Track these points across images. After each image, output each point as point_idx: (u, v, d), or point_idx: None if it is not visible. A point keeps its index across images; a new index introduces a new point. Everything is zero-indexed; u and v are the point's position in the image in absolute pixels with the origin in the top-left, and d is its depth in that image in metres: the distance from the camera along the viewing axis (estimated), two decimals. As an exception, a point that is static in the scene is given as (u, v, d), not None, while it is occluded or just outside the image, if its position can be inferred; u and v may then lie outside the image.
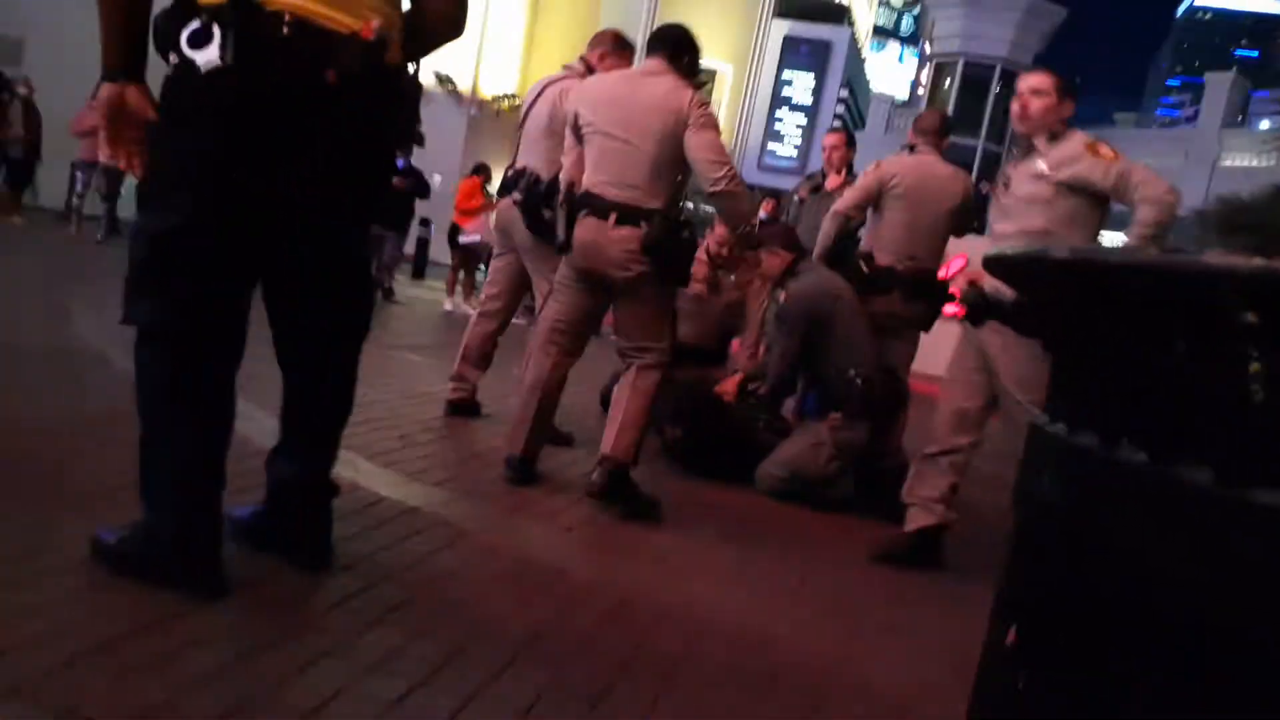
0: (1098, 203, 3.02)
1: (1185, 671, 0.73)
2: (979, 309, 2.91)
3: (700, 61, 3.40)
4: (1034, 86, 3.12)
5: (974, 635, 2.50)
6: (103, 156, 1.92)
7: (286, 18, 1.80)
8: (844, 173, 5.36)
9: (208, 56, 1.75)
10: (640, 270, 3.14)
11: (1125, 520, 0.80)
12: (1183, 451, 0.77)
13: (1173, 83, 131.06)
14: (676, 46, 3.30)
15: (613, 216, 3.13)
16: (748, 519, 3.55)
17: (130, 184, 10.84)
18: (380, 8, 1.96)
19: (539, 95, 4.16)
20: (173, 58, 1.80)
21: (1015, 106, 3.17)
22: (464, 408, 4.28)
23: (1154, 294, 0.81)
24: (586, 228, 3.18)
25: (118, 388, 3.26)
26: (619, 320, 3.34)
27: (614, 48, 4.07)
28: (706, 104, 3.20)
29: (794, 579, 2.91)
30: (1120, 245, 3.00)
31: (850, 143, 5.51)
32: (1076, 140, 3.05)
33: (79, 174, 10.42)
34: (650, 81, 3.23)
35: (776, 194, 6.07)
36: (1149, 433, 0.80)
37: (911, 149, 4.27)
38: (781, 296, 4.14)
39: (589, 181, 3.22)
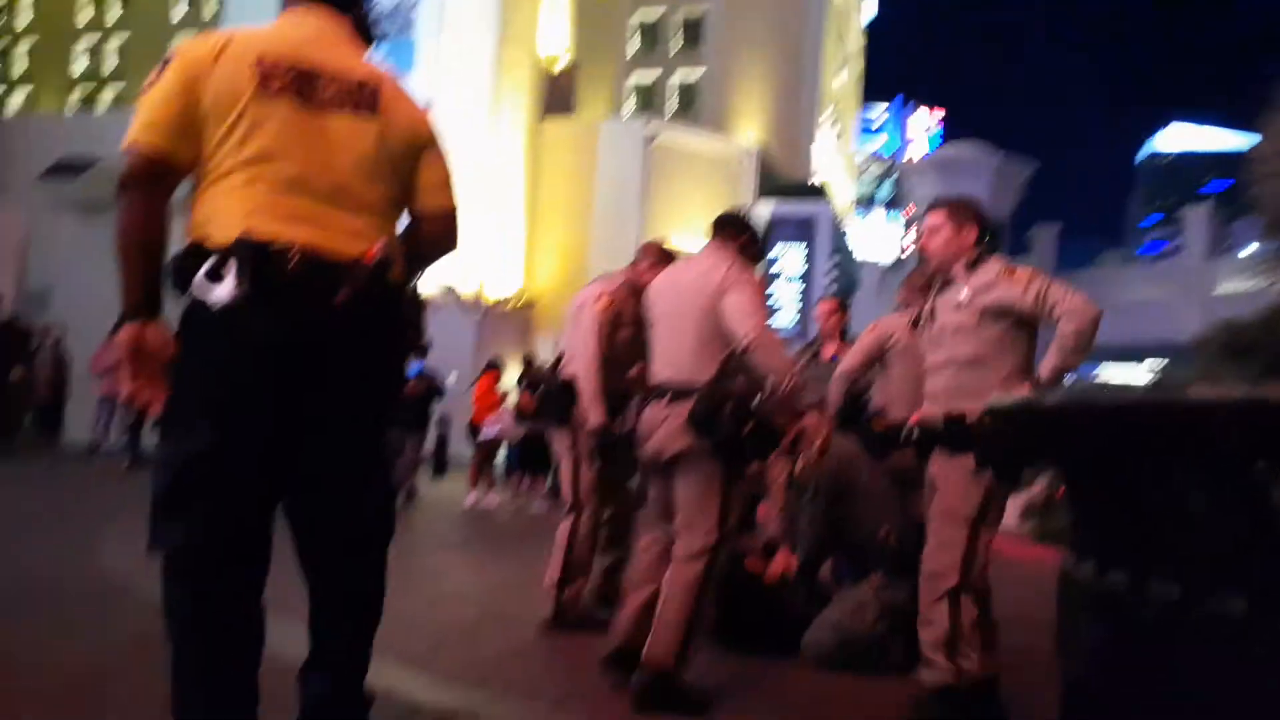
0: (1024, 326, 3.04)
1: None
2: (923, 443, 3.06)
3: (760, 242, 3.41)
4: (929, 225, 3.24)
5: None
6: (124, 392, 1.99)
7: (293, 252, 1.90)
8: (839, 337, 5.50)
9: (218, 295, 1.85)
10: (683, 445, 3.06)
11: (1166, 655, 0.78)
12: (1215, 583, 0.76)
13: (1149, 221, 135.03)
14: (725, 227, 3.36)
15: (666, 397, 3.13)
16: (800, 694, 3.40)
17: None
18: (381, 230, 2.07)
19: (580, 305, 4.30)
20: (186, 296, 1.91)
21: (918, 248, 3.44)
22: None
23: (1152, 431, 0.83)
24: (646, 413, 3.21)
25: (148, 618, 3.24)
26: (675, 503, 3.19)
27: (659, 259, 4.19)
28: (747, 269, 3.18)
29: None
30: (1045, 366, 2.94)
31: (843, 308, 5.66)
32: (994, 266, 3.11)
33: (102, 410, 10.70)
34: (695, 261, 3.36)
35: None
36: (1178, 567, 0.80)
37: (904, 306, 4.37)
38: (799, 464, 4.12)
39: (651, 373, 3.29)
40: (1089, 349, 2.91)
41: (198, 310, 1.88)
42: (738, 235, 3.32)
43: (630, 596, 3.26)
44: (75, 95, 35.70)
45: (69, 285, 15.94)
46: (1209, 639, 0.75)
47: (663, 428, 3.11)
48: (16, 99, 36.35)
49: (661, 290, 3.37)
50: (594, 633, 3.93)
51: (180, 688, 1.88)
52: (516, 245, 26.46)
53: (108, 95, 35.38)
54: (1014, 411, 1.04)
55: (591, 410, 3.93)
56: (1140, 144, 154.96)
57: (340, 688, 2.08)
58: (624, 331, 4.07)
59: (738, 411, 3.01)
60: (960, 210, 3.25)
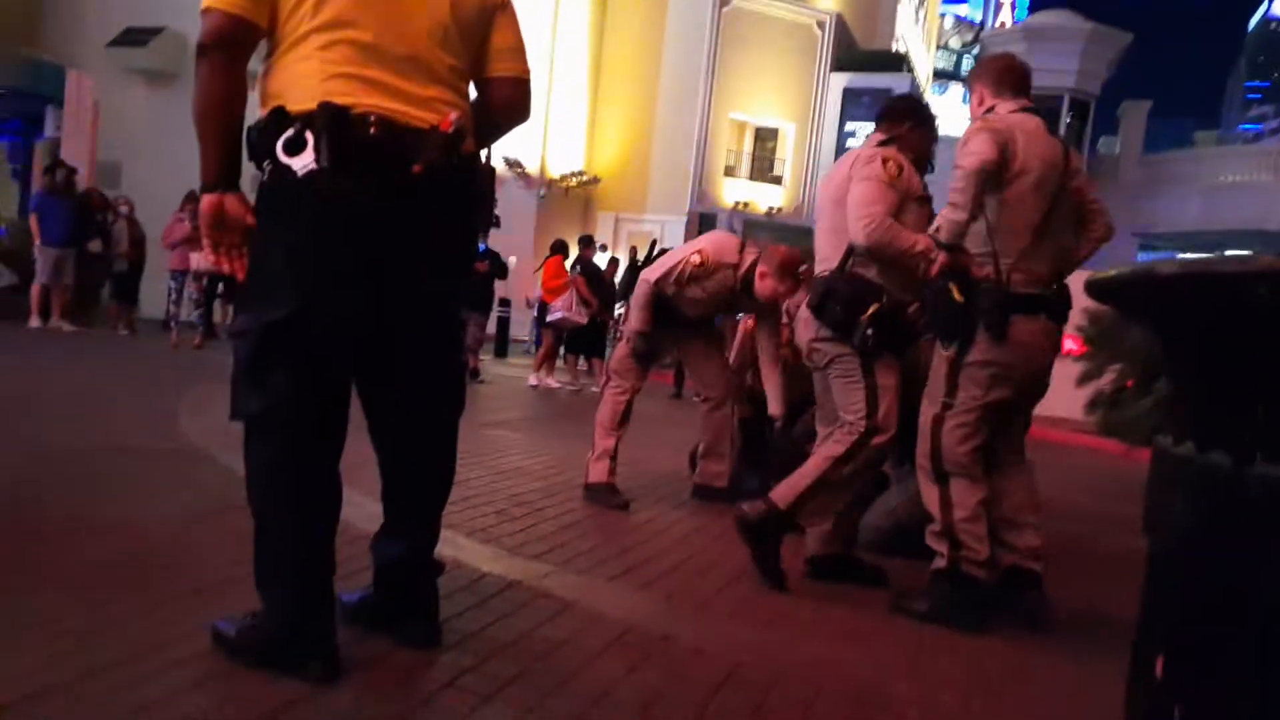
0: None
1: None
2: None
3: (922, 128, 3.32)
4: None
5: (1099, 676, 2.38)
6: (205, 262, 2.03)
7: (372, 118, 1.89)
8: None
9: (303, 161, 1.85)
10: (811, 337, 3.19)
11: (1267, 535, 0.76)
12: None
13: (1253, 97, 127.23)
14: (880, 118, 3.38)
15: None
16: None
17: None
18: (454, 101, 2.05)
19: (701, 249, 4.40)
20: (267, 165, 1.90)
21: None
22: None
23: (1270, 301, 0.78)
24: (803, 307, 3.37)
25: (225, 483, 3.40)
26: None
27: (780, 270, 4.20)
28: (883, 161, 3.10)
29: (909, 633, 2.82)
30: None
31: None
32: None
33: (173, 284, 10.97)
34: (846, 157, 3.35)
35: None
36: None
37: None
38: None
39: None
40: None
41: (278, 178, 1.89)
42: (891, 125, 3.30)
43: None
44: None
45: (138, 157, 16.14)
46: None
47: (800, 320, 3.30)
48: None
49: (824, 183, 3.47)
50: (645, 514, 4.04)
51: (262, 550, 1.97)
52: (579, 120, 25.96)
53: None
54: (1123, 280, 0.98)
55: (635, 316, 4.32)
56: (1251, 12, 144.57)
57: (413, 555, 2.17)
58: (694, 289, 4.27)
59: (852, 294, 3.06)
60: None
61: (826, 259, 3.22)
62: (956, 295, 2.84)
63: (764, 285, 4.13)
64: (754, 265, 4.19)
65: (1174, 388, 0.96)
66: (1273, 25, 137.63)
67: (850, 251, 3.11)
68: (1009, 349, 2.86)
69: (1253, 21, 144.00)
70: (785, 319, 4.61)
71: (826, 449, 3.15)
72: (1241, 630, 0.77)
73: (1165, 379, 1.17)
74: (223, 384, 1.99)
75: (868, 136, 3.43)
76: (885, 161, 3.08)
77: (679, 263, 4.23)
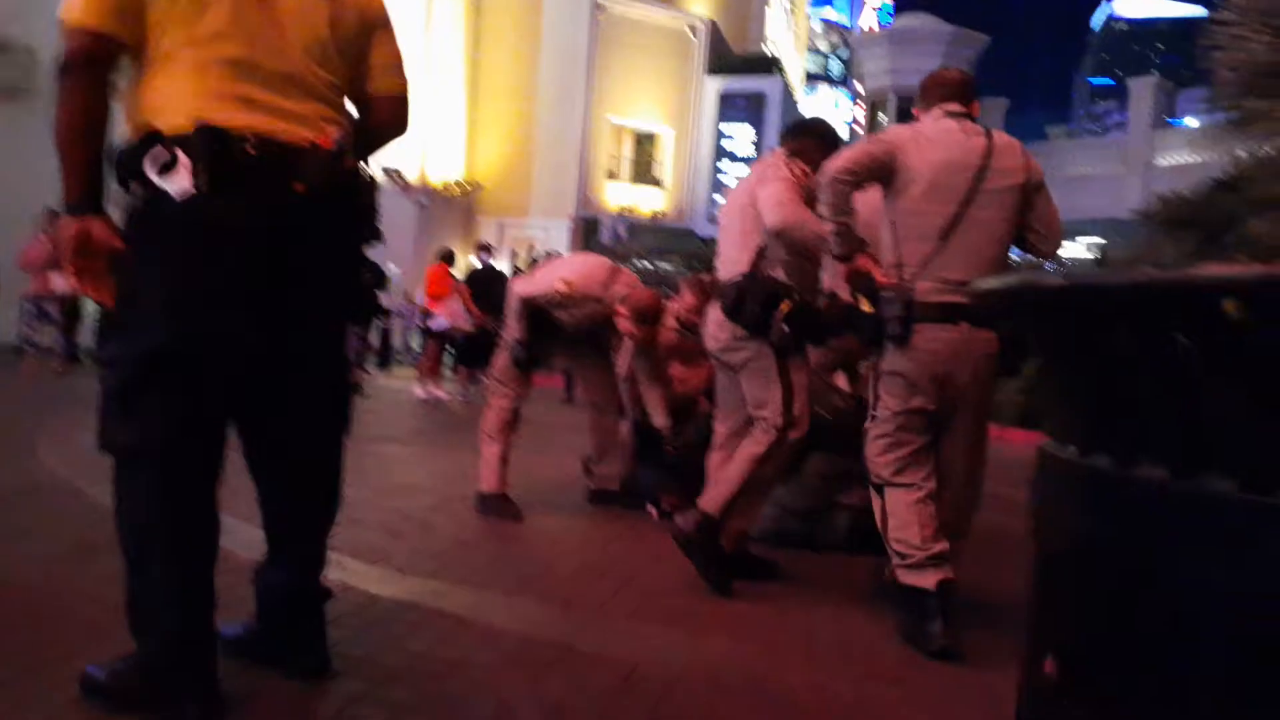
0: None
1: (1228, 681, 0.72)
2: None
3: (825, 144, 3.35)
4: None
5: (987, 659, 2.47)
6: (67, 286, 1.92)
7: (250, 138, 1.83)
8: None
9: (180, 185, 1.77)
10: (725, 338, 3.25)
11: (1152, 537, 0.79)
12: (1203, 463, 0.76)
13: (1100, 82, 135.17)
14: (783, 136, 3.51)
15: (717, 294, 3.38)
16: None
17: (89, 313, 10.66)
18: (333, 117, 2.00)
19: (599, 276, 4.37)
20: (136, 187, 1.81)
21: None
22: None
23: (1155, 311, 0.81)
24: (709, 312, 3.45)
25: (90, 518, 3.21)
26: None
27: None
28: (790, 168, 3.23)
29: (804, 625, 2.87)
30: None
31: None
32: None
33: (31, 308, 10.30)
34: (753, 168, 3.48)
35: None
36: (1165, 448, 0.80)
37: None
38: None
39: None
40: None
41: (151, 201, 1.81)
42: (797, 140, 3.39)
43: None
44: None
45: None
46: (1194, 520, 0.75)
47: (709, 322, 3.34)
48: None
49: (729, 195, 3.56)
50: (540, 521, 4.02)
51: (135, 589, 1.87)
52: (457, 126, 25.61)
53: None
54: (1004, 291, 1.02)
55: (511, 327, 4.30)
56: (1092, 11, 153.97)
57: (298, 582, 2.10)
58: (562, 313, 4.23)
59: (767, 294, 3.13)
60: None
61: (734, 262, 3.28)
62: (865, 306, 2.88)
63: (622, 324, 4.13)
64: (619, 300, 4.14)
65: (1057, 393, 1.00)
66: (1115, 24, 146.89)
67: (760, 254, 3.20)
68: (915, 357, 2.80)
69: (1096, 21, 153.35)
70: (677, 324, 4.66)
71: (747, 449, 3.19)
72: (1128, 629, 0.80)
73: (1045, 380, 1.22)
74: (86, 412, 1.87)
75: (771, 150, 3.58)
76: (792, 168, 3.23)
77: (546, 289, 4.18)
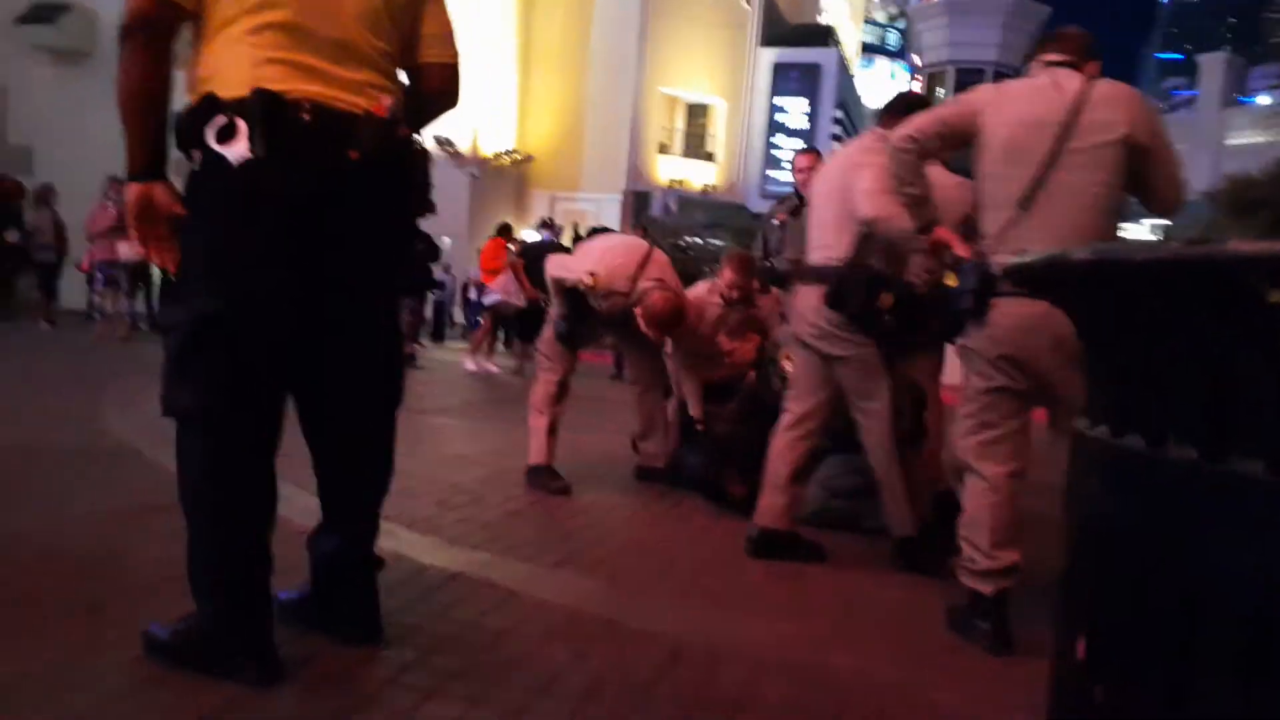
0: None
1: (1251, 665, 0.72)
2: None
3: (919, 110, 3.20)
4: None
5: (1026, 641, 2.45)
6: (133, 253, 1.97)
7: (306, 105, 1.85)
8: None
9: (237, 150, 1.80)
10: (823, 326, 3.17)
11: (1181, 518, 0.79)
12: (1232, 445, 0.76)
13: (1168, 61, 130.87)
14: (882, 112, 3.41)
15: (811, 279, 3.29)
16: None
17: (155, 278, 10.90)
18: (386, 86, 2.02)
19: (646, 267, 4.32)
20: (197, 153, 1.85)
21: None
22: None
23: (1184, 288, 0.80)
24: (798, 296, 3.41)
25: (153, 481, 3.31)
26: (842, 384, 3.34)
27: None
28: (881, 150, 3.05)
29: (849, 607, 2.87)
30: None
31: (821, 161, 5.52)
32: None
33: (98, 274, 10.56)
34: (849, 146, 3.43)
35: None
36: (1195, 429, 0.79)
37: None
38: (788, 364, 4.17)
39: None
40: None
41: (210, 167, 1.84)
42: (893, 118, 3.18)
43: (772, 473, 3.37)
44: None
45: (50, 140, 15.47)
46: (1223, 501, 0.75)
47: (804, 307, 3.26)
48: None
49: (820, 175, 3.47)
50: (587, 496, 4.05)
51: (196, 551, 1.93)
52: (509, 97, 25.62)
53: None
54: (1033, 268, 1.01)
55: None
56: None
57: (352, 550, 2.14)
58: (592, 301, 4.17)
59: (871, 285, 3.03)
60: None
61: (828, 247, 3.20)
62: (949, 281, 2.77)
63: (641, 324, 4.08)
64: (640, 298, 4.07)
65: (1089, 372, 0.99)
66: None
67: (861, 240, 3.08)
68: (991, 334, 2.59)
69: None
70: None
71: (881, 463, 3.23)
72: (1158, 611, 0.80)
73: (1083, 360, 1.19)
74: (150, 378, 1.93)
75: (868, 131, 3.46)
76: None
77: (574, 277, 4.14)
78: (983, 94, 2.74)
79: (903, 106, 3.25)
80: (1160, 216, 2.77)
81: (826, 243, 3.22)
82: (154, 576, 2.39)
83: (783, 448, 3.34)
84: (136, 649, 1.94)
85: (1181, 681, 0.76)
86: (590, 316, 4.30)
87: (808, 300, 3.23)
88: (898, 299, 3.01)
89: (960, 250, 2.70)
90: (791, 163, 5.80)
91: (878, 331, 3.06)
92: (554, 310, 4.32)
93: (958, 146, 2.73)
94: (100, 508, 3.10)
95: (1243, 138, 23.90)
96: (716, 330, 4.58)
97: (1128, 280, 0.86)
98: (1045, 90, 2.60)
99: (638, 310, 4.05)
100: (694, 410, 4.46)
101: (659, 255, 4.27)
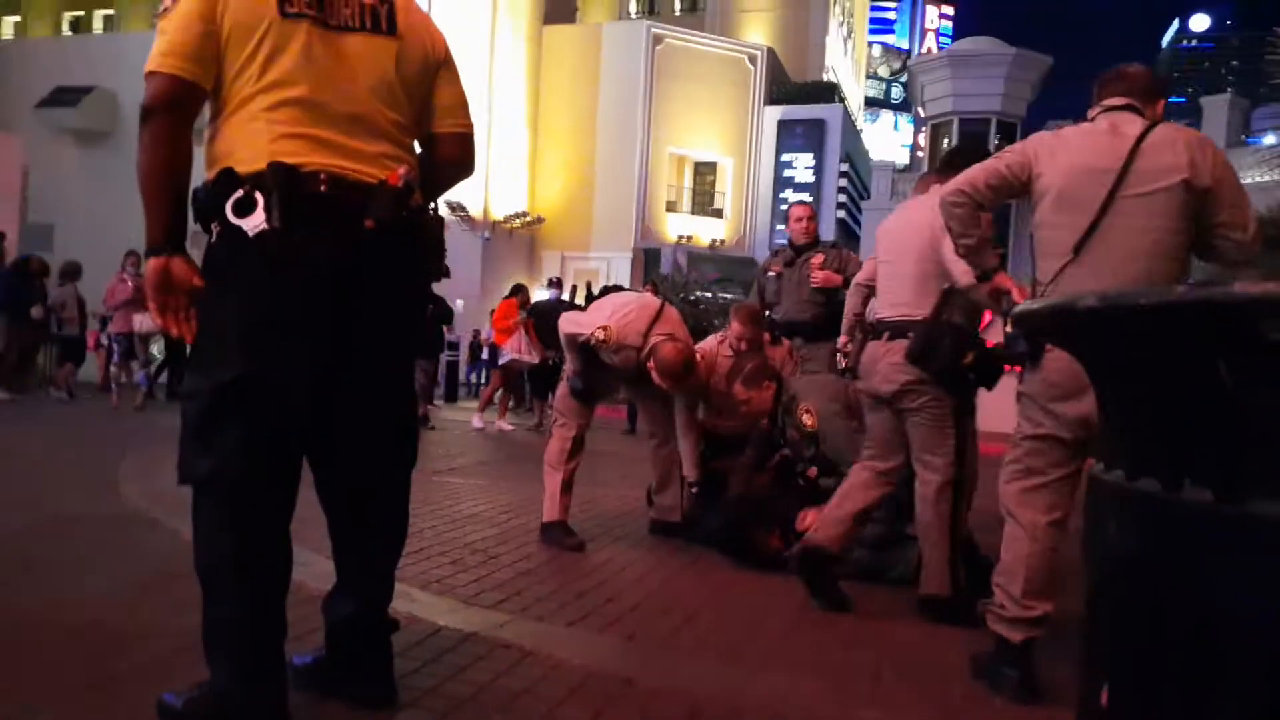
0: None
1: (1269, 706, 0.70)
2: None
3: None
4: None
5: (1054, 691, 2.40)
6: (149, 325, 2.00)
7: (322, 176, 1.90)
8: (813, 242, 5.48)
9: (254, 222, 1.84)
10: (904, 380, 3.23)
11: (1198, 561, 0.78)
12: (1249, 486, 0.75)
13: (1173, 104, 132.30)
14: (947, 166, 3.39)
15: (885, 334, 3.34)
16: (813, 602, 3.45)
17: (160, 348, 11.08)
18: (400, 156, 2.06)
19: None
20: (216, 226, 1.89)
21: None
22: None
23: (1189, 330, 0.80)
24: (867, 351, 3.46)
25: (170, 550, 3.31)
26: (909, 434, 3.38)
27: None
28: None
29: (870, 658, 2.82)
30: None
31: (813, 218, 5.59)
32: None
33: (115, 345, 10.71)
34: (920, 201, 3.41)
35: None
36: (1210, 470, 0.79)
37: None
38: (807, 419, 4.17)
39: (875, 311, 3.55)
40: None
41: (228, 239, 1.88)
42: (948, 171, 3.20)
43: (837, 506, 3.42)
44: (65, 21, 34.97)
45: (71, 217, 15.80)
46: (1240, 541, 0.74)
47: (882, 363, 3.32)
48: (6, 28, 35.59)
49: (888, 230, 3.54)
50: (603, 553, 4.02)
51: (211, 617, 1.92)
52: (520, 160, 26.05)
53: (97, 20, 34.66)
54: (1041, 313, 1.01)
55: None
56: (1163, 30, 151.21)
57: (367, 613, 2.13)
58: (604, 356, 4.21)
59: (956, 342, 3.11)
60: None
61: (906, 304, 3.30)
62: (1007, 325, 2.74)
63: (654, 375, 4.08)
64: (656, 349, 4.07)
65: (1103, 415, 0.98)
66: (1185, 41, 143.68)
67: (946, 298, 3.18)
68: (1044, 379, 2.56)
69: (1166, 39, 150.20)
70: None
71: (933, 515, 3.27)
72: (1178, 655, 0.78)
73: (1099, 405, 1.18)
74: (165, 447, 1.94)
75: (927, 182, 3.56)
76: None
77: (589, 331, 4.15)
78: (1038, 142, 2.70)
79: (955, 159, 3.30)
80: (1234, 260, 2.63)
81: (905, 300, 3.32)
82: (171, 646, 2.37)
83: (860, 485, 3.41)
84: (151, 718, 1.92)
85: None
86: (604, 371, 4.31)
87: (887, 356, 3.31)
88: (978, 356, 3.10)
89: (1018, 297, 2.68)
90: (787, 214, 5.90)
91: (959, 388, 3.14)
92: (568, 367, 4.33)
93: (1013, 196, 2.71)
94: (118, 577, 3.09)
95: (1250, 177, 23.97)
96: (731, 381, 4.58)
97: (1134, 324, 0.86)
98: (1102, 136, 2.59)
99: (650, 363, 4.06)
100: (689, 471, 4.44)
101: (670, 311, 4.30)
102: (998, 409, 3.50)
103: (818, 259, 5.30)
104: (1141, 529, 0.86)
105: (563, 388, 4.39)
